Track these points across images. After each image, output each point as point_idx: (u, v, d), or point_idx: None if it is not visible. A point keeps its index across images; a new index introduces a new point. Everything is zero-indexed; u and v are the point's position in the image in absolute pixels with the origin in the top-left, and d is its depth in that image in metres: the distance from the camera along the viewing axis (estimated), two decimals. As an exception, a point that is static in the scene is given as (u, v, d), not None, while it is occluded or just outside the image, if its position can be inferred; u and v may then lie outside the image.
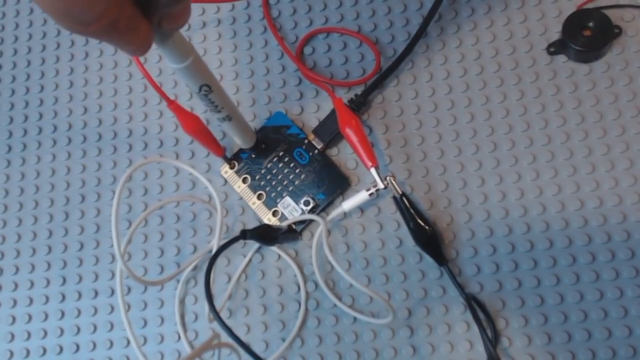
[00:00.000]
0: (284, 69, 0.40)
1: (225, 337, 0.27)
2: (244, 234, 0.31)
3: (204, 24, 0.42)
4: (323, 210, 0.38)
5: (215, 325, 0.36)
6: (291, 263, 0.37)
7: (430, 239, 0.35)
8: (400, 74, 0.39)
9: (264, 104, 0.40)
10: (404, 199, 0.35)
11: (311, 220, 0.37)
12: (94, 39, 0.23)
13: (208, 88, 0.29)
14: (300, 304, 0.36)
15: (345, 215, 0.37)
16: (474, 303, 0.34)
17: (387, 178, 0.35)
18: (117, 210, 0.30)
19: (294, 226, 0.37)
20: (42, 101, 0.42)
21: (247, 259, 0.37)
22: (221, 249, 0.30)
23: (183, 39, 0.27)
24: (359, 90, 0.39)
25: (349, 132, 0.36)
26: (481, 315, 0.34)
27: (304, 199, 0.37)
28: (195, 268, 0.38)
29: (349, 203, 0.36)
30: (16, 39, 0.43)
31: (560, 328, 0.34)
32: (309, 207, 0.37)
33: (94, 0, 0.20)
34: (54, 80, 0.42)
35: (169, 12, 0.23)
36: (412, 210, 0.35)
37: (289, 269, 0.37)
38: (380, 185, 0.35)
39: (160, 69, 0.41)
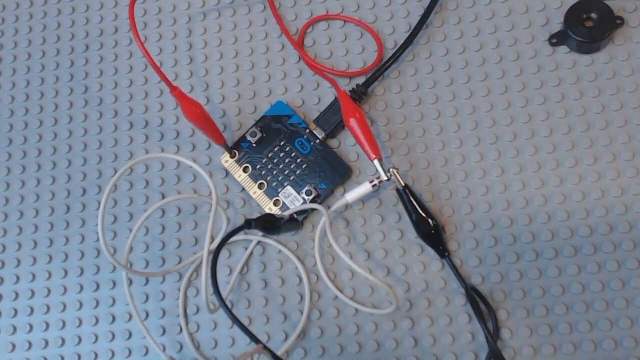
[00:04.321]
0: (284, 61, 0.40)
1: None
2: (249, 224, 0.31)
3: (205, 16, 0.42)
4: (325, 200, 0.37)
5: (217, 315, 0.37)
6: (292, 256, 0.37)
7: (432, 230, 0.35)
8: (402, 66, 0.39)
9: (264, 97, 0.40)
10: (407, 191, 0.35)
11: (313, 210, 0.37)
12: None
13: None
14: (302, 296, 0.36)
15: (347, 207, 0.37)
16: (474, 294, 0.34)
17: (391, 170, 0.35)
18: (104, 209, 0.30)
19: (295, 216, 0.37)
20: (42, 94, 0.42)
21: (249, 252, 0.37)
22: (227, 238, 0.30)
23: None
24: (360, 81, 0.39)
25: (353, 124, 0.36)
26: (482, 307, 0.34)
27: (306, 188, 0.37)
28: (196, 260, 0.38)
29: (352, 195, 0.36)
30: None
31: (562, 320, 0.34)
32: (310, 197, 0.37)
33: None
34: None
35: None
36: (414, 203, 0.35)
37: (291, 261, 0.37)
38: (384, 178, 0.35)
39: (161, 61, 0.41)
